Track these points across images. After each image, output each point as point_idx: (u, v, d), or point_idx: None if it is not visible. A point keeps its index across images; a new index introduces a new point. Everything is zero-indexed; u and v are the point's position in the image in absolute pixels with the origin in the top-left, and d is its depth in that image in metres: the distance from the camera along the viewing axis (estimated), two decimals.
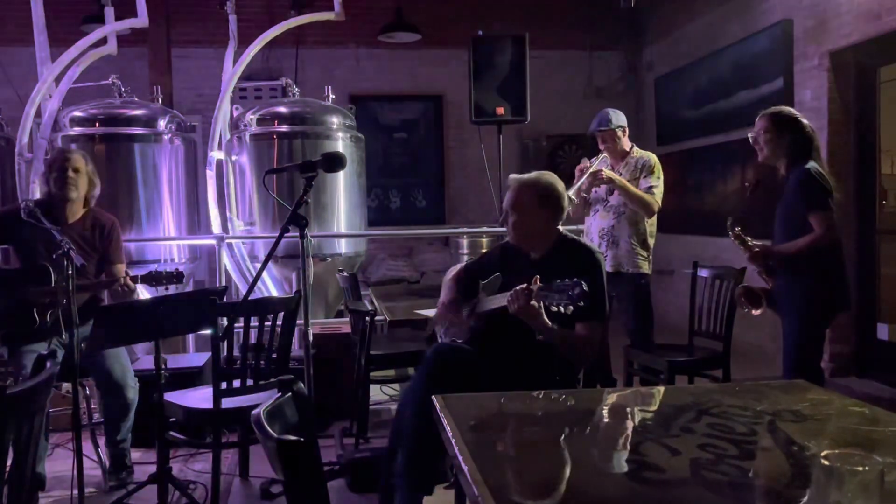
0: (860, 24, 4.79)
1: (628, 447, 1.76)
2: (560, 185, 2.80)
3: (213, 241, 4.62)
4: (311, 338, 2.86)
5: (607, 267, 4.09)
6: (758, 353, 5.40)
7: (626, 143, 4.23)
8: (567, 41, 7.89)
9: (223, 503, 3.22)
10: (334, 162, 2.83)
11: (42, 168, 4.40)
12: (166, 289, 3.54)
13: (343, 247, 5.12)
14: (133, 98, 4.96)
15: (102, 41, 5.12)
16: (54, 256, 2.94)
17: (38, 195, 4.33)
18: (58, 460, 3.61)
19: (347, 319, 4.37)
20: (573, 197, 4.09)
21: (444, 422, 1.80)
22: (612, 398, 2.32)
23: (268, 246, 4.01)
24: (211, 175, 5.02)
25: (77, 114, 4.76)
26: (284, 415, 1.53)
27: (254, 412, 1.41)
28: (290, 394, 1.59)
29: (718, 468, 1.55)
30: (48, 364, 1.74)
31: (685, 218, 6.82)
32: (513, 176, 2.85)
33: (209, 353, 3.99)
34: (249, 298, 3.01)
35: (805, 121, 3.31)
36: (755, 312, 3.38)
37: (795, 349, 3.27)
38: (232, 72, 5.20)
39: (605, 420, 2.02)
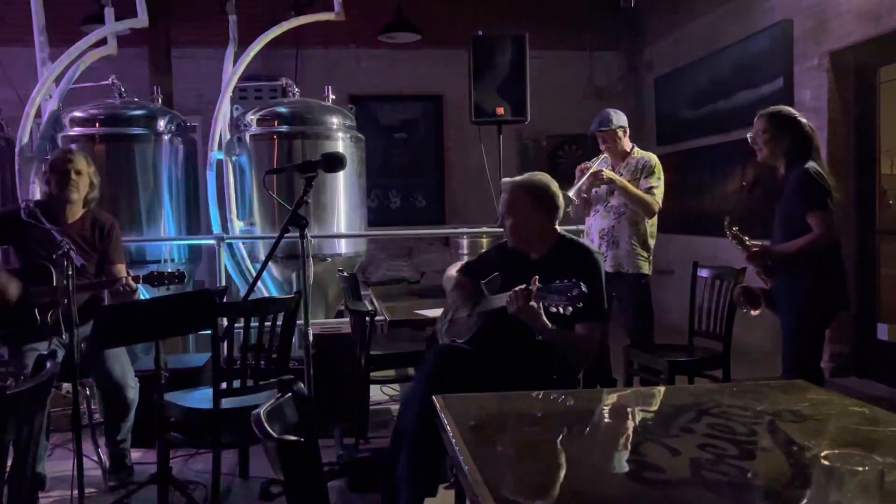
0: (860, 24, 4.78)
1: (628, 447, 1.76)
2: (554, 184, 2.80)
3: (213, 242, 4.62)
4: (311, 338, 2.86)
5: (607, 267, 4.09)
6: (758, 353, 5.39)
7: (627, 144, 4.23)
8: (567, 41, 7.88)
9: (223, 503, 3.22)
10: (334, 162, 2.83)
11: (42, 168, 4.40)
12: (167, 289, 3.54)
13: (343, 247, 5.12)
14: (133, 98, 4.96)
15: (102, 41, 5.13)
16: (54, 257, 2.95)
17: (38, 195, 4.33)
18: (58, 460, 3.61)
19: (347, 320, 4.37)
20: (573, 197, 4.09)
21: (445, 422, 1.80)
22: (612, 398, 2.32)
23: (268, 246, 4.01)
24: (211, 175, 5.02)
25: (77, 114, 4.76)
26: (284, 415, 1.53)
27: (254, 412, 1.41)
28: (290, 394, 1.59)
29: (718, 468, 1.55)
30: (48, 364, 1.74)
31: (685, 218, 6.82)
32: (506, 179, 2.86)
33: (209, 354, 3.99)
34: (249, 299, 3.01)
35: (804, 120, 3.30)
36: (753, 313, 3.38)
37: (795, 350, 3.26)
38: (232, 72, 5.20)
39: (606, 420, 2.02)
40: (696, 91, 6.90)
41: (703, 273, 4.06)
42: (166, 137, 4.86)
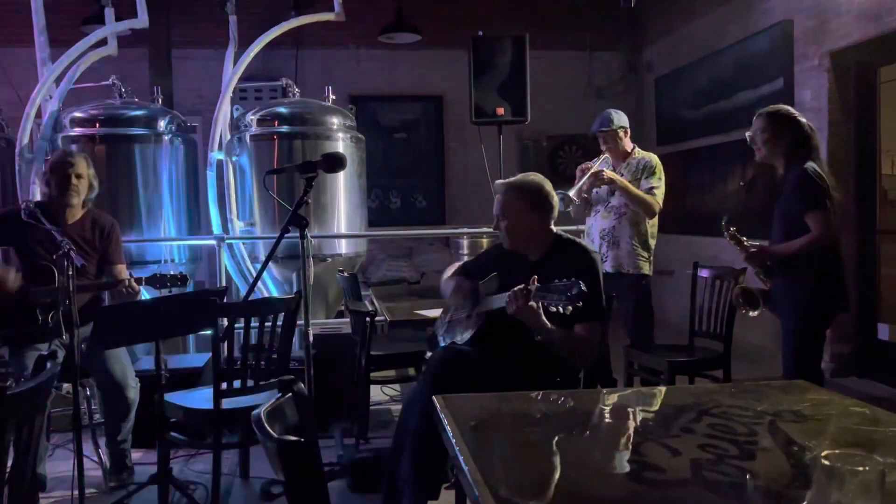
0: (860, 24, 4.78)
1: (629, 447, 1.76)
2: (547, 185, 2.79)
3: (214, 242, 4.62)
4: (311, 338, 2.86)
5: (608, 267, 4.09)
6: (758, 353, 5.40)
7: (628, 144, 4.23)
8: (567, 41, 7.88)
9: None
10: (334, 162, 2.83)
11: (42, 169, 4.40)
12: (169, 290, 3.55)
13: (343, 247, 5.12)
14: (133, 99, 4.96)
15: (103, 42, 5.12)
16: (55, 257, 2.95)
17: (38, 196, 4.33)
18: (58, 461, 3.61)
19: (348, 320, 4.37)
20: (574, 197, 4.09)
21: (445, 422, 1.80)
22: (612, 398, 2.32)
23: (268, 246, 4.01)
24: (211, 176, 5.02)
25: (77, 114, 4.76)
26: (285, 415, 1.53)
27: (254, 413, 1.41)
28: (290, 394, 1.59)
29: (719, 468, 1.55)
30: (49, 364, 1.74)
31: (685, 218, 6.82)
32: (499, 181, 2.86)
33: (209, 354, 3.99)
34: (250, 299, 3.01)
35: (803, 120, 3.29)
36: (752, 314, 3.37)
37: (794, 351, 3.25)
38: (232, 72, 5.20)
39: (606, 420, 2.02)
40: (696, 91, 6.90)
41: (704, 273, 4.06)
42: (166, 138, 4.86)
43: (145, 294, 4.01)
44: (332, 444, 3.80)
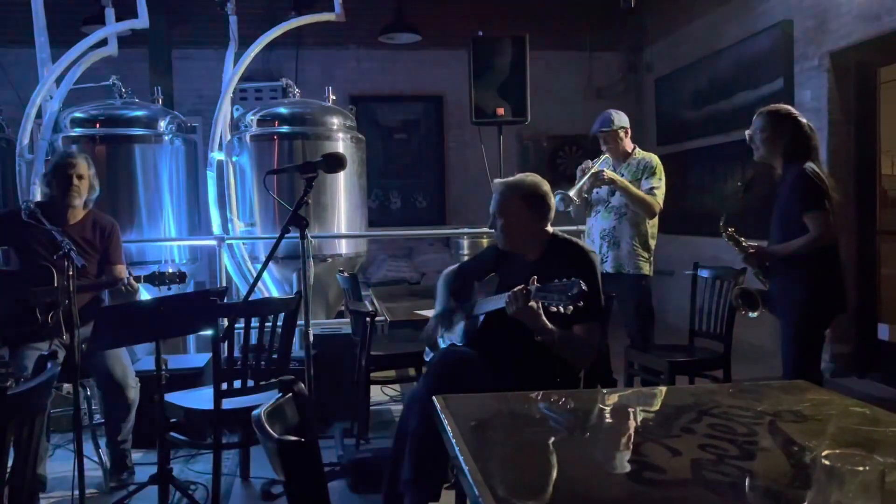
0: (860, 25, 4.78)
1: (629, 448, 1.76)
2: (545, 185, 2.79)
3: (214, 242, 4.63)
4: (311, 338, 2.86)
5: (608, 268, 4.09)
6: (759, 353, 5.40)
7: (629, 144, 4.23)
8: (567, 41, 7.89)
9: None
10: (335, 163, 2.83)
11: (43, 169, 4.40)
12: (168, 288, 3.55)
13: (343, 247, 5.12)
14: (134, 99, 4.96)
15: (103, 42, 5.12)
16: (55, 257, 2.95)
17: (38, 196, 4.33)
18: (59, 461, 3.62)
19: (348, 320, 4.37)
20: (574, 197, 4.09)
21: (445, 422, 1.80)
22: (612, 399, 2.32)
23: (268, 247, 4.00)
24: (211, 176, 5.02)
25: (78, 115, 4.76)
26: (285, 415, 1.53)
27: (254, 413, 1.42)
28: (290, 394, 1.59)
29: (719, 469, 1.55)
30: (49, 365, 1.74)
31: (685, 219, 6.82)
32: (497, 180, 2.86)
33: (210, 354, 4.00)
34: (250, 299, 3.01)
35: (803, 119, 3.28)
36: (752, 315, 3.36)
37: (793, 352, 3.24)
38: (232, 73, 5.20)
39: (606, 420, 2.02)
40: (696, 91, 6.90)
41: (704, 273, 4.06)
42: (167, 138, 4.86)
43: (144, 293, 4.02)
44: (333, 444, 3.81)
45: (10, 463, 1.55)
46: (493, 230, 2.84)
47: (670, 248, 6.45)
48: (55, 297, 3.16)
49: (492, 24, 6.04)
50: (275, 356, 3.08)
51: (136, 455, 3.51)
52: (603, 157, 4.22)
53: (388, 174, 8.04)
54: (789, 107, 3.37)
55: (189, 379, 3.78)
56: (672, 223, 5.62)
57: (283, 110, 5.05)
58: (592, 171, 4.10)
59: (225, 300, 3.35)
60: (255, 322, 2.98)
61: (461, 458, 1.55)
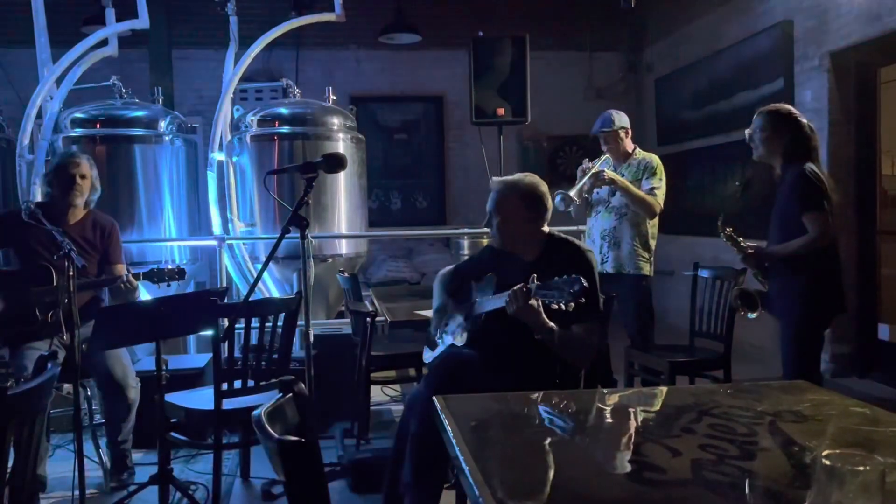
0: (860, 25, 4.78)
1: (629, 448, 1.76)
2: (543, 185, 2.79)
3: (214, 243, 4.63)
4: (311, 338, 2.86)
5: (609, 268, 4.09)
6: (759, 353, 5.40)
7: (629, 145, 4.23)
8: (567, 42, 7.89)
9: None
10: (335, 163, 2.83)
11: (43, 169, 4.41)
12: (168, 285, 3.55)
13: (344, 248, 5.12)
14: (134, 99, 4.96)
15: (103, 42, 5.12)
16: (55, 257, 2.95)
17: (38, 197, 4.33)
18: (59, 461, 3.61)
19: (348, 320, 4.37)
20: (575, 197, 4.09)
21: (446, 422, 1.80)
22: (612, 399, 2.32)
23: (268, 247, 4.00)
24: (212, 176, 5.02)
25: (78, 115, 4.76)
26: (285, 415, 1.53)
27: (255, 413, 1.42)
28: (290, 394, 1.59)
29: (719, 469, 1.55)
30: (49, 365, 1.74)
31: (686, 219, 6.82)
32: (495, 178, 2.85)
33: (210, 354, 4.00)
34: (250, 299, 3.01)
35: (804, 119, 3.27)
36: (751, 316, 3.35)
37: (793, 353, 3.23)
38: (233, 73, 5.20)
39: (606, 421, 2.02)
40: (696, 92, 6.90)
41: (704, 274, 4.06)
42: (167, 138, 4.87)
43: (144, 292, 4.02)
44: (333, 444, 3.81)
45: (10, 463, 1.55)
46: (488, 229, 2.83)
47: (670, 249, 6.45)
48: (55, 297, 3.16)
49: (492, 24, 6.06)
50: (275, 356, 3.08)
51: (136, 455, 3.52)
52: (603, 158, 4.22)
53: (389, 174, 8.05)
54: (790, 107, 3.36)
55: (189, 379, 3.78)
56: (672, 223, 5.62)
57: (283, 111, 5.05)
58: (593, 171, 4.10)
59: (225, 300, 3.34)
60: (255, 322, 2.98)
61: (461, 459, 1.55)
